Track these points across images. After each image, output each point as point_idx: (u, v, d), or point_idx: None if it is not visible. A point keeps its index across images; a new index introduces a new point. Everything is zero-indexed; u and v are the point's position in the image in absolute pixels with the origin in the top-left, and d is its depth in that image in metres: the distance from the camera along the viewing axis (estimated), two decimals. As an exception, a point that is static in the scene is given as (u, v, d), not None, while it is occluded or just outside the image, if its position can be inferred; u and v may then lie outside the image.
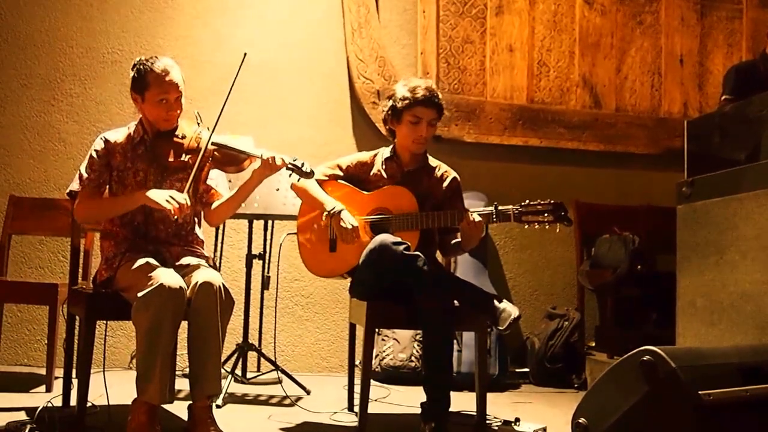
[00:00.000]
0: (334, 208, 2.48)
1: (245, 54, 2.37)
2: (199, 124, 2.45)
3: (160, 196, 2.21)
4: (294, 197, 2.73)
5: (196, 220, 2.49)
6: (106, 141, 2.38)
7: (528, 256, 4.06)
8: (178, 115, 2.37)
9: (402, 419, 2.71)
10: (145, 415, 2.06)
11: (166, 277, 2.10)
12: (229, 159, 2.38)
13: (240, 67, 2.34)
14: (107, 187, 2.40)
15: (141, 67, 2.34)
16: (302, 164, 2.36)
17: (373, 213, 2.56)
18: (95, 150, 2.37)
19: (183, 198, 2.20)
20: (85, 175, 2.34)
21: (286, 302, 3.77)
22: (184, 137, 2.39)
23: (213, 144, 2.35)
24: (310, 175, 2.38)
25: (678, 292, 2.57)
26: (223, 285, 2.17)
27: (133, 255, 2.27)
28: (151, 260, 2.21)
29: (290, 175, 2.39)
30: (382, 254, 2.33)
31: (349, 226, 2.45)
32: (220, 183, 2.49)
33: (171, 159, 2.36)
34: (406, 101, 2.52)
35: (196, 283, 2.14)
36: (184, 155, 2.36)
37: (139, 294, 2.07)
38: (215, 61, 3.75)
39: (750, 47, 4.30)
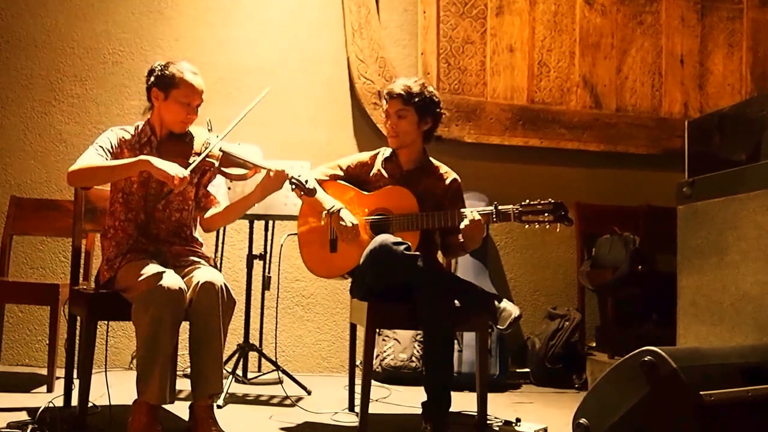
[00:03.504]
0: (333, 207, 2.49)
1: (268, 88, 2.41)
2: (210, 130, 2.45)
3: (163, 164, 2.20)
4: (294, 197, 2.73)
5: (193, 224, 2.49)
6: (116, 134, 2.40)
7: (529, 257, 4.06)
8: (192, 120, 2.40)
9: (403, 419, 2.71)
10: (146, 415, 2.06)
11: (166, 278, 2.10)
12: (234, 166, 2.38)
13: (259, 99, 2.37)
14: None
15: (171, 66, 2.36)
16: (306, 181, 2.36)
17: (373, 213, 2.56)
18: (107, 137, 2.37)
19: (186, 173, 2.20)
20: (92, 149, 2.32)
21: (287, 302, 3.77)
22: (192, 141, 2.40)
23: (220, 150, 2.35)
24: (312, 192, 2.37)
25: (678, 293, 2.57)
26: (225, 285, 2.18)
27: (134, 255, 2.28)
28: (152, 262, 2.22)
29: (293, 188, 2.38)
30: (383, 254, 2.33)
31: (349, 224, 2.45)
32: (220, 191, 2.50)
33: (177, 161, 2.36)
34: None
35: (198, 282, 2.14)
36: (190, 158, 2.36)
37: (139, 295, 2.07)
38: (216, 62, 3.75)
39: (750, 47, 4.30)
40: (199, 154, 2.35)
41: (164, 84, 2.35)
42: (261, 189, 2.36)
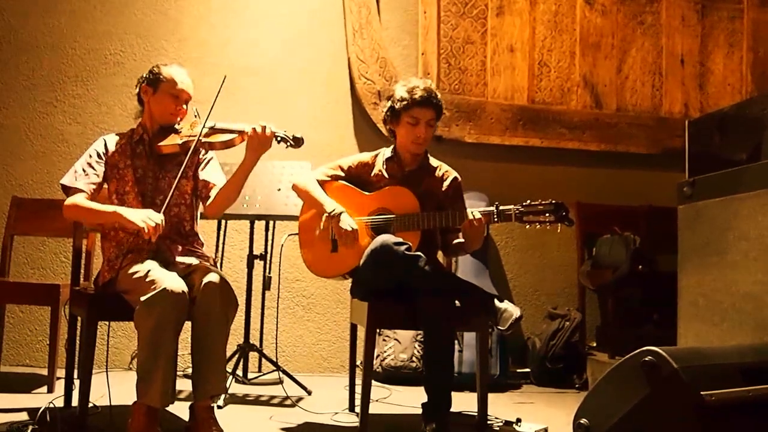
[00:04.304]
0: (334, 210, 2.48)
1: (225, 77, 2.40)
2: (196, 116, 2.49)
3: (135, 215, 2.20)
4: (295, 198, 2.74)
5: (194, 220, 2.50)
6: (106, 142, 2.46)
7: (529, 257, 4.06)
8: (182, 114, 2.45)
9: (403, 419, 2.72)
10: (145, 416, 2.06)
11: (168, 281, 2.10)
12: (220, 136, 2.39)
13: (219, 89, 2.36)
14: (105, 184, 2.44)
15: (161, 65, 2.45)
16: (292, 135, 2.39)
17: (374, 213, 2.56)
18: (95, 149, 2.43)
19: (159, 218, 2.19)
20: (80, 172, 2.38)
21: (288, 302, 3.77)
22: (180, 130, 2.45)
23: (208, 128, 2.37)
24: (300, 141, 2.39)
25: (679, 293, 2.57)
26: (228, 286, 2.18)
27: (135, 256, 2.28)
28: (153, 263, 2.22)
29: (279, 142, 2.37)
30: (384, 255, 2.33)
31: (349, 229, 2.45)
32: (219, 178, 2.50)
33: (166, 149, 2.39)
34: (404, 102, 2.52)
35: (201, 283, 2.14)
36: (179, 140, 2.39)
37: (142, 298, 2.07)
38: (218, 62, 3.75)
39: (751, 47, 4.30)
40: (188, 136, 2.39)
41: (153, 80, 2.43)
42: (251, 151, 2.34)
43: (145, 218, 2.17)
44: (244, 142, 2.37)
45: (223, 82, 2.37)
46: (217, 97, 2.35)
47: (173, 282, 2.10)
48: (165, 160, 2.41)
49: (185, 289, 2.12)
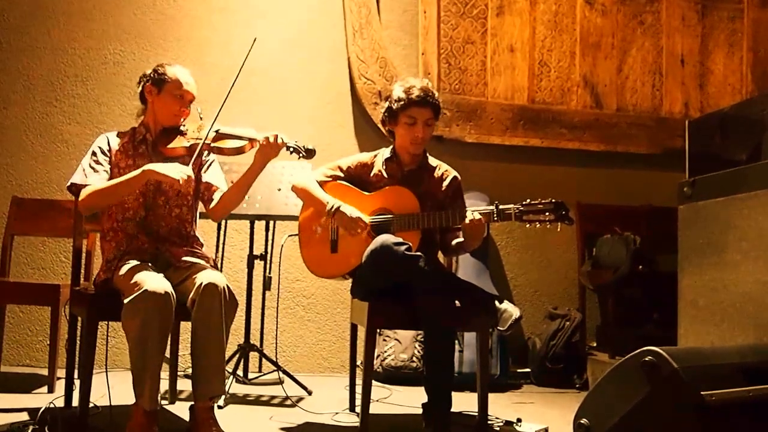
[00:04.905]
0: (333, 206, 2.49)
1: (255, 39, 2.40)
2: (201, 118, 2.48)
3: (168, 169, 2.21)
4: (295, 198, 2.74)
5: (194, 221, 2.50)
6: (108, 139, 2.45)
7: (529, 257, 4.06)
8: (185, 115, 2.45)
9: (403, 420, 2.72)
10: (143, 417, 2.06)
11: (151, 282, 2.08)
12: (229, 140, 2.40)
13: (249, 51, 2.36)
14: None
15: (165, 65, 2.44)
16: (304, 146, 2.41)
17: (374, 213, 2.56)
18: (98, 146, 2.42)
19: (189, 171, 2.22)
20: (89, 170, 2.36)
21: (288, 303, 3.77)
22: (185, 132, 2.44)
23: (214, 131, 2.37)
24: (312, 152, 2.41)
25: (679, 293, 2.57)
26: (227, 286, 2.18)
27: (132, 257, 2.27)
28: (143, 264, 2.21)
29: (291, 152, 2.39)
30: (384, 255, 2.33)
31: (353, 216, 2.45)
32: (221, 181, 2.51)
33: (172, 150, 2.38)
34: (401, 102, 2.53)
35: (201, 284, 2.14)
36: (185, 142, 2.40)
37: (125, 300, 2.06)
38: (217, 62, 3.75)
39: (751, 47, 4.30)
40: (191, 140, 2.38)
41: (157, 80, 2.41)
42: (260, 157, 2.36)
43: (179, 171, 2.20)
44: (253, 149, 2.38)
45: (253, 44, 2.36)
46: (243, 63, 2.35)
47: (155, 283, 2.09)
48: (168, 160, 2.40)
49: (169, 289, 2.11)
